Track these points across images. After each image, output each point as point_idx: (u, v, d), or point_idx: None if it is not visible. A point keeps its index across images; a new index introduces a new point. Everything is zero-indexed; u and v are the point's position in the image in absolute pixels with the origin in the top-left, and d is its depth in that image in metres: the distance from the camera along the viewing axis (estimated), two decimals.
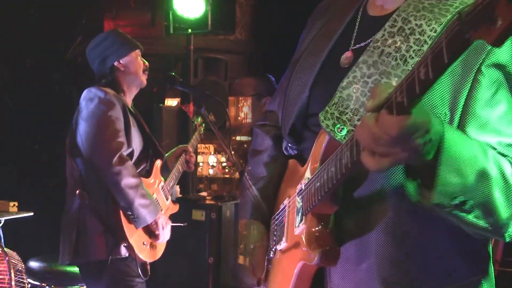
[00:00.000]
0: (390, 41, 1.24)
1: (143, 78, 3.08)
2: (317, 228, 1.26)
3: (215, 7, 4.80)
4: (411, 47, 1.21)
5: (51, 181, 4.93)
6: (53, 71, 5.26)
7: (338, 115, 1.25)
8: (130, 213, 2.79)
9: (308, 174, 1.33)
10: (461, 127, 1.17)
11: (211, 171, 5.34)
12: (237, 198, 4.68)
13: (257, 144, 1.68)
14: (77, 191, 2.85)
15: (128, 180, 2.76)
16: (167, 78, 3.25)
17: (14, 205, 3.89)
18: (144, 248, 2.93)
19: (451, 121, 1.17)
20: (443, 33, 0.84)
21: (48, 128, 5.08)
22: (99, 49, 3.01)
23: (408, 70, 1.17)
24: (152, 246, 3.00)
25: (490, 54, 1.15)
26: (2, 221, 3.75)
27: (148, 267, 3.02)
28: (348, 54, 1.35)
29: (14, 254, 3.29)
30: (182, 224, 3.22)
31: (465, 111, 1.17)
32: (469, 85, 1.16)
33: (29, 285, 3.44)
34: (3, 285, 3.09)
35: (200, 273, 4.30)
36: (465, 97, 1.16)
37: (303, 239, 1.28)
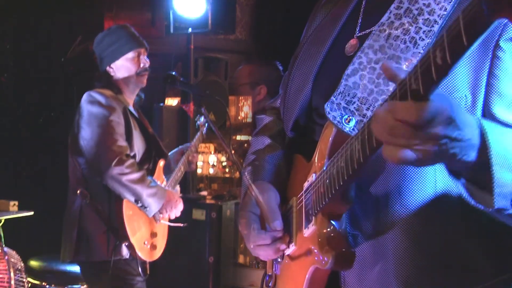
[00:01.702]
0: (397, 23, 1.17)
1: (139, 80, 3.04)
2: (328, 229, 1.15)
3: (215, 7, 4.79)
4: (421, 28, 1.13)
5: (51, 181, 4.92)
6: (52, 71, 5.26)
7: (345, 105, 1.17)
8: (141, 204, 2.85)
9: (315, 171, 1.23)
10: (487, 108, 1.10)
11: (211, 171, 5.34)
12: (237, 198, 4.68)
13: (259, 125, 1.59)
14: (79, 190, 2.86)
15: (131, 176, 2.79)
16: (167, 78, 3.25)
17: (14, 204, 3.89)
18: (145, 247, 2.95)
19: (473, 104, 1.09)
20: (461, 14, 0.77)
21: (48, 128, 5.08)
22: (99, 49, 3.05)
23: (419, 53, 1.12)
24: (153, 246, 3.02)
25: (506, 28, 1.07)
26: (2, 220, 3.75)
27: (148, 266, 3.03)
28: (353, 42, 1.27)
29: (14, 253, 3.29)
30: (181, 225, 3.22)
31: (489, 91, 1.09)
32: (489, 63, 1.08)
33: (29, 284, 3.44)
34: (3, 284, 3.09)
35: (200, 272, 4.29)
36: (486, 76, 1.08)
37: (314, 241, 1.18)
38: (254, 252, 1.37)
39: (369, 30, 1.24)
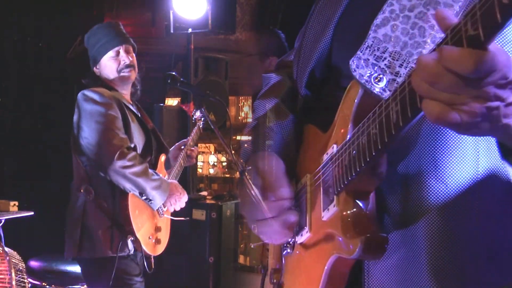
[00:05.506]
0: None
1: (122, 77, 3.01)
2: (354, 210, 0.96)
3: (215, 7, 4.80)
4: None
5: (51, 181, 4.93)
6: (53, 71, 5.27)
7: (374, 61, 0.98)
8: (145, 197, 2.87)
9: (336, 141, 1.04)
10: None
11: (211, 171, 5.35)
12: (237, 198, 4.68)
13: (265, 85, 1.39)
14: (83, 187, 2.88)
15: (135, 169, 2.81)
16: (167, 78, 3.25)
17: (14, 204, 3.89)
18: (150, 242, 2.99)
19: None
20: None
21: (48, 128, 5.09)
22: (88, 50, 3.07)
23: None
24: (157, 240, 3.05)
25: None
26: (3, 221, 3.75)
27: (153, 260, 3.04)
28: None
29: (14, 253, 3.29)
30: (184, 219, 3.25)
31: None
32: None
33: (30, 285, 3.44)
34: (3, 284, 3.09)
35: (200, 272, 4.30)
36: None
37: (336, 226, 0.99)
38: (258, 231, 1.16)
39: None
